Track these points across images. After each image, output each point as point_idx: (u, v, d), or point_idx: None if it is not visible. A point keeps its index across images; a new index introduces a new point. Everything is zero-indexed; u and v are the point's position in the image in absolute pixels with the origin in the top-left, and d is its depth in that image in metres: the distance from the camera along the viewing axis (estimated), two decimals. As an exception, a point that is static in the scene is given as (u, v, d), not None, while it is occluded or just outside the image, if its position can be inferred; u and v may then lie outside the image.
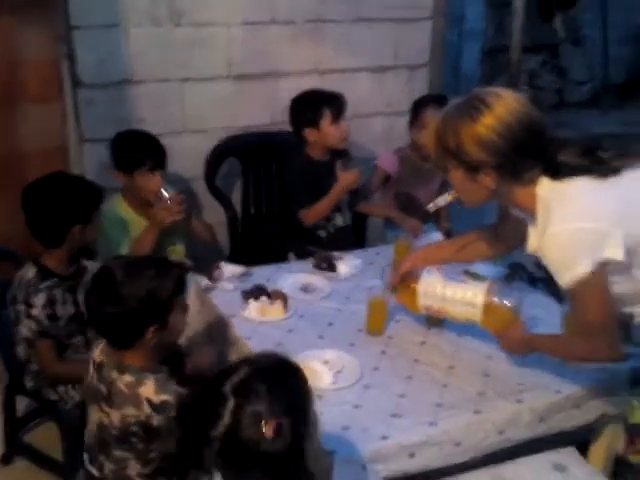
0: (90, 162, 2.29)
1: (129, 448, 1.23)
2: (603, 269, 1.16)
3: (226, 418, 0.87)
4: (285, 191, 2.32)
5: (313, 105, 2.10)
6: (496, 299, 1.41)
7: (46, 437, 1.79)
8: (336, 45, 2.58)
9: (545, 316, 1.59)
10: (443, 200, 1.40)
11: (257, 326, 1.62)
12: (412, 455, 1.28)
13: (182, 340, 1.46)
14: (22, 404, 1.84)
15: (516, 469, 1.34)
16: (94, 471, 1.29)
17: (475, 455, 1.34)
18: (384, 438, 1.27)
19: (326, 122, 2.09)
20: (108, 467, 1.26)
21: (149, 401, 1.19)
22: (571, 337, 1.34)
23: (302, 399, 0.93)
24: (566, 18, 5.17)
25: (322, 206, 2.12)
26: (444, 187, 2.07)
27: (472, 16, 4.59)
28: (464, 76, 4.44)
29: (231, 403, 0.87)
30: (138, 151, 1.94)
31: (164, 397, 1.19)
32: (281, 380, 0.92)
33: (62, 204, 1.58)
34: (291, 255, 2.17)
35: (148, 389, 1.20)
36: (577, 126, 4.44)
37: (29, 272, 1.60)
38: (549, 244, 1.18)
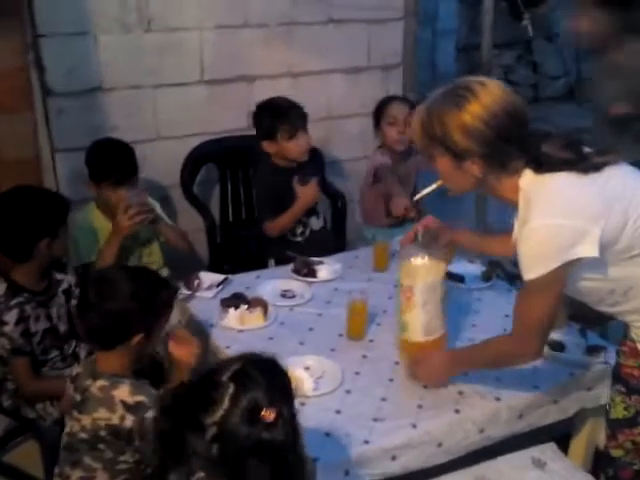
0: (63, 172, 2.25)
1: (97, 456, 1.22)
2: (569, 266, 1.16)
3: (225, 404, 0.86)
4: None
5: (270, 119, 2.07)
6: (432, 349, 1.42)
7: (27, 455, 1.76)
8: (309, 47, 2.58)
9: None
10: (428, 189, 1.40)
11: (237, 335, 1.61)
12: (394, 458, 1.29)
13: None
14: (1, 424, 1.81)
15: (496, 467, 1.36)
16: None
17: (457, 455, 1.35)
18: (366, 442, 1.27)
19: (283, 137, 2.07)
20: (75, 476, 1.24)
21: (123, 402, 1.19)
22: (500, 337, 1.34)
23: (292, 392, 0.94)
24: (536, 16, 5.23)
25: (284, 221, 2.11)
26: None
27: (445, 14, 4.62)
28: (440, 74, 4.47)
29: (231, 389, 0.87)
30: (105, 163, 1.92)
31: (139, 398, 1.19)
32: (274, 372, 0.93)
33: (28, 218, 1.56)
34: (271, 261, 2.16)
35: (122, 392, 1.20)
36: (552, 120, 4.50)
37: (-1, 288, 1.58)
38: (526, 238, 1.18)
